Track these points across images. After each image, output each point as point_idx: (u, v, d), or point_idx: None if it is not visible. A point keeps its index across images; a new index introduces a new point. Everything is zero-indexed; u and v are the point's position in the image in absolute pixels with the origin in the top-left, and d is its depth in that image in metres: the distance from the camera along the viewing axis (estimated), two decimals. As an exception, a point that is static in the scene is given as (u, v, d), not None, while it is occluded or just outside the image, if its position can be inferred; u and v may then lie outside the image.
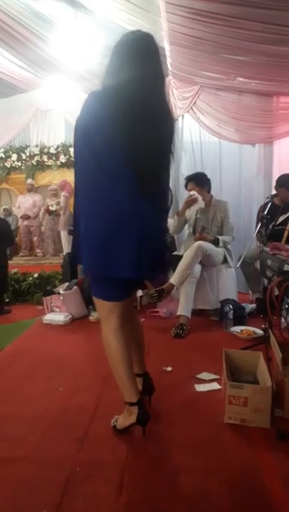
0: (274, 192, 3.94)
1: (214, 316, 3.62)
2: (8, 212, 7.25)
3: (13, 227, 7.25)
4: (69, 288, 3.93)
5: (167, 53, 4.01)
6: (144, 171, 1.58)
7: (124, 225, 1.58)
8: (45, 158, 7.43)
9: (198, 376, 2.40)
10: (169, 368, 2.48)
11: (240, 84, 4.48)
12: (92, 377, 2.41)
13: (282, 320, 3.16)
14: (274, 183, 4.00)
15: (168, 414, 1.96)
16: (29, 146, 7.54)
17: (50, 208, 6.96)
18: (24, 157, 7.51)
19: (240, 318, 3.36)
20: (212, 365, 2.47)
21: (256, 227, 3.35)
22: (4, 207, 7.30)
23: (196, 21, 3.16)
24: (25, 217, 7.13)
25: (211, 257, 3.53)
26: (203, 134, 5.08)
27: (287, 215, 3.69)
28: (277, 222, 3.69)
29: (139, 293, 3.83)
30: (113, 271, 1.61)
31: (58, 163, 7.39)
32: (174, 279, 3.35)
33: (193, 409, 2.03)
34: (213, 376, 2.38)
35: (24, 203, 7.23)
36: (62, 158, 7.31)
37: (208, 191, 3.83)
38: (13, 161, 7.56)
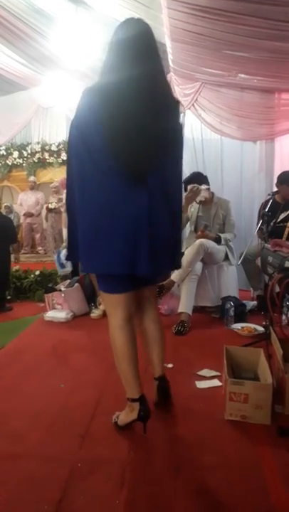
0: (275, 189, 3.93)
1: (215, 313, 3.62)
2: (10, 209, 7.25)
3: (14, 224, 7.26)
4: (70, 285, 3.93)
5: (169, 50, 3.99)
6: (128, 163, 1.56)
7: (110, 220, 1.57)
8: (46, 155, 7.42)
9: (199, 373, 2.40)
10: (170, 365, 2.48)
11: (242, 80, 4.46)
12: (94, 374, 2.42)
13: (283, 317, 3.17)
14: (275, 181, 3.99)
15: (169, 410, 1.96)
16: (30, 143, 7.53)
17: (50, 205, 6.96)
18: (25, 154, 7.50)
19: (241, 315, 3.36)
20: (213, 362, 2.47)
21: (257, 224, 3.35)
22: (5, 204, 7.30)
23: (198, 17, 3.14)
24: (29, 214, 7.14)
25: (212, 255, 3.52)
26: (204, 131, 5.06)
27: (288, 212, 3.68)
28: (279, 220, 3.68)
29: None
30: (100, 267, 1.65)
31: (60, 160, 7.38)
32: (174, 276, 3.35)
33: (194, 406, 2.03)
34: (213, 373, 2.38)
35: (27, 201, 7.24)
36: (64, 156, 7.30)
37: (208, 189, 3.82)
38: (15, 159, 7.55)
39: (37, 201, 7.20)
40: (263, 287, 3.60)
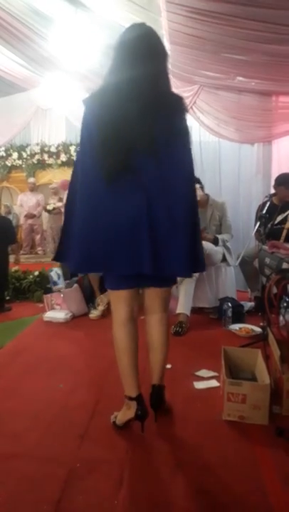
0: (273, 191, 3.94)
1: (213, 314, 3.62)
2: (9, 209, 7.24)
3: (14, 225, 7.25)
4: (69, 286, 3.93)
5: (167, 52, 3.99)
6: (108, 166, 1.57)
7: (107, 221, 1.60)
8: (45, 156, 7.42)
9: (197, 373, 2.40)
10: (168, 366, 2.47)
11: (240, 83, 4.47)
12: (93, 375, 2.42)
13: (281, 318, 3.17)
14: (273, 182, 4.00)
15: (167, 411, 1.96)
16: (30, 144, 7.52)
17: (48, 207, 6.96)
18: (25, 156, 7.50)
19: (238, 316, 3.37)
20: (211, 362, 2.47)
21: (255, 226, 3.36)
22: (5, 204, 7.29)
23: (197, 21, 3.15)
24: (30, 216, 7.15)
25: (210, 256, 3.52)
26: (202, 133, 5.08)
27: (285, 214, 3.68)
28: (276, 221, 3.69)
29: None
30: (96, 267, 1.71)
31: (59, 161, 7.37)
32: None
33: (192, 407, 2.04)
34: (211, 373, 2.39)
35: (27, 202, 7.24)
36: (63, 157, 7.29)
37: (202, 189, 3.82)
38: (14, 160, 7.55)
39: (38, 203, 7.20)
40: (260, 288, 3.61)
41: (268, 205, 3.39)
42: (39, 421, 1.90)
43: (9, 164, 7.61)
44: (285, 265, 2.26)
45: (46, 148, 7.40)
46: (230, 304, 3.34)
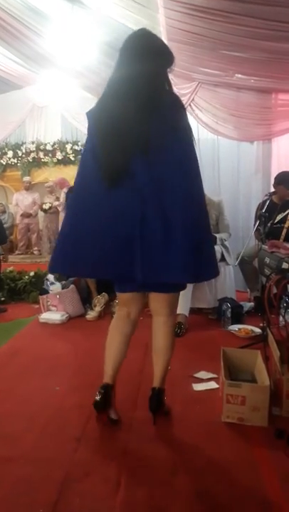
0: (272, 190, 3.95)
1: (212, 315, 3.63)
2: (4, 208, 7.24)
3: (8, 225, 7.24)
4: (66, 287, 3.93)
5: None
6: (103, 164, 1.62)
7: (97, 224, 1.64)
8: (41, 154, 7.41)
9: (196, 375, 2.41)
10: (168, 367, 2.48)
11: (239, 80, 4.48)
12: (89, 376, 2.42)
13: (281, 318, 3.18)
14: (272, 181, 4.01)
15: (166, 413, 1.96)
16: (25, 142, 7.52)
17: (44, 206, 6.95)
18: (20, 154, 7.49)
19: (238, 317, 3.38)
20: (210, 363, 2.48)
21: (254, 225, 3.37)
22: (0, 202, 7.30)
23: (195, 17, 3.16)
24: (27, 215, 7.15)
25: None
26: (201, 131, 5.08)
27: (285, 213, 3.70)
28: (276, 220, 3.70)
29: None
30: (87, 273, 1.95)
31: (55, 160, 7.38)
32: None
33: (191, 408, 2.04)
34: (211, 375, 2.40)
35: (23, 201, 7.23)
36: (59, 155, 7.30)
37: None
38: (9, 158, 7.54)
39: (34, 201, 7.20)
40: (260, 288, 3.62)
41: (267, 203, 3.41)
42: (35, 423, 1.90)
43: (4, 163, 7.60)
44: (285, 265, 2.27)
45: (42, 146, 7.40)
46: (229, 305, 3.35)
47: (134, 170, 1.59)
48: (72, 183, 6.69)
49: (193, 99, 4.89)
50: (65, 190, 6.55)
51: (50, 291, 3.94)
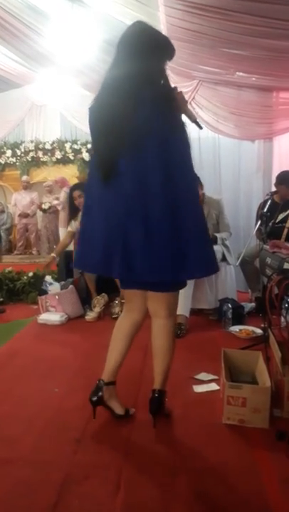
0: (274, 189, 3.95)
1: (213, 316, 3.63)
2: (2, 208, 7.25)
3: (8, 225, 7.25)
4: (65, 287, 3.93)
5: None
6: (100, 160, 1.69)
7: (91, 221, 1.75)
8: (40, 154, 7.41)
9: (197, 377, 2.41)
10: (167, 368, 2.49)
11: (240, 78, 4.49)
12: (88, 378, 2.40)
13: (282, 319, 3.18)
14: (274, 180, 4.02)
15: (167, 415, 1.97)
16: (24, 141, 7.52)
17: (43, 206, 6.95)
18: (19, 153, 7.49)
19: (239, 318, 3.38)
20: (211, 365, 2.48)
21: (255, 224, 3.37)
22: None
23: (195, 15, 3.17)
24: (24, 215, 7.14)
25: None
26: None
27: (287, 213, 3.71)
28: (277, 220, 3.71)
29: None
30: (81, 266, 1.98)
31: (54, 159, 7.37)
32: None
33: (192, 410, 2.05)
34: (211, 376, 2.40)
35: (21, 201, 7.23)
36: (58, 154, 7.29)
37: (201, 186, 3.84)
38: (8, 157, 7.54)
39: (32, 201, 7.19)
40: (261, 289, 3.63)
41: (269, 203, 3.41)
42: (34, 425, 1.91)
43: (3, 162, 7.60)
44: (286, 265, 2.27)
45: (41, 146, 7.39)
46: (230, 305, 3.36)
47: (122, 169, 1.63)
48: (71, 182, 6.72)
49: (194, 98, 4.90)
50: (65, 189, 6.56)
51: (49, 292, 3.95)
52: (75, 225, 3.91)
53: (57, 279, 4.28)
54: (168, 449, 1.73)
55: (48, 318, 3.62)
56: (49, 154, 7.38)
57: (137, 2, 3.55)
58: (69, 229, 4.06)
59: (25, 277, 4.63)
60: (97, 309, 3.72)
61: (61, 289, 3.93)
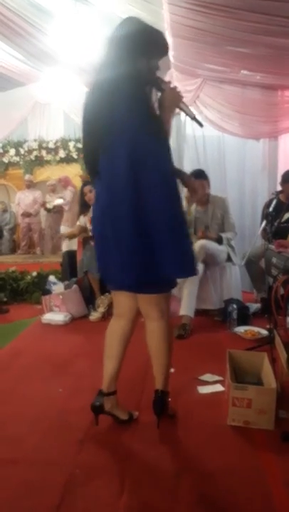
0: (279, 188, 3.94)
1: (218, 316, 3.63)
2: (5, 207, 7.26)
3: (11, 225, 7.26)
4: (68, 287, 3.94)
5: (169, 45, 4.01)
6: (84, 160, 1.77)
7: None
8: (43, 153, 7.43)
9: (201, 378, 2.41)
10: (171, 370, 2.48)
11: (244, 77, 4.48)
12: (92, 378, 2.42)
13: (288, 320, 3.18)
14: (279, 179, 4.01)
15: (172, 416, 1.97)
16: (27, 140, 7.53)
17: (48, 205, 6.95)
18: (22, 152, 7.51)
19: (244, 318, 3.38)
20: (215, 366, 2.48)
21: (261, 224, 3.36)
22: (1, 201, 7.31)
23: (199, 13, 3.17)
24: (26, 214, 7.15)
25: (214, 256, 3.54)
26: (206, 127, 5.08)
27: (292, 212, 3.70)
28: (283, 220, 3.70)
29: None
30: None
31: (57, 158, 7.38)
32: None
33: (196, 412, 2.05)
34: (216, 377, 2.40)
35: (24, 200, 7.24)
36: (62, 153, 7.30)
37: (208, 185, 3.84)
38: (12, 156, 7.56)
39: (35, 200, 7.20)
40: (267, 289, 3.62)
41: (274, 202, 3.40)
42: (38, 425, 1.91)
43: (6, 161, 7.62)
44: (292, 265, 2.27)
45: (44, 144, 7.41)
46: (235, 306, 3.35)
47: (100, 169, 1.68)
48: (75, 181, 6.72)
49: (198, 96, 4.89)
50: (70, 188, 6.56)
51: (53, 292, 3.96)
52: (84, 220, 3.97)
53: (61, 279, 4.29)
54: (172, 451, 1.73)
55: (51, 318, 3.64)
56: (52, 153, 7.39)
57: (141, 0, 3.55)
58: (78, 223, 4.13)
59: (28, 277, 4.65)
60: (101, 309, 3.73)
61: (65, 288, 3.94)
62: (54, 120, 7.45)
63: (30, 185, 7.32)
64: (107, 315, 3.75)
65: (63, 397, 2.21)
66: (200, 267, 3.44)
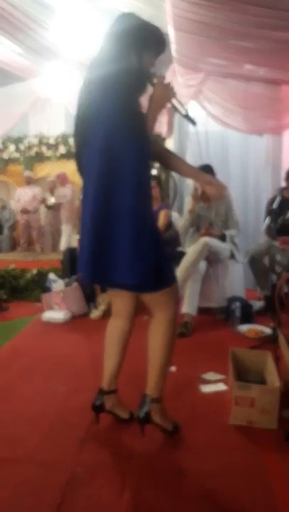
0: (283, 184, 3.94)
1: (220, 315, 3.62)
2: (4, 204, 7.26)
3: (11, 222, 7.26)
4: (69, 284, 3.94)
5: (172, 39, 4.00)
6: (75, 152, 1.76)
7: None
8: (44, 149, 7.42)
9: (204, 376, 2.41)
10: (173, 368, 2.49)
11: (248, 72, 4.47)
12: (93, 377, 2.42)
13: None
14: (283, 175, 4.00)
15: (172, 415, 1.97)
16: (28, 136, 7.52)
17: (48, 202, 6.95)
18: (22, 148, 7.50)
19: (247, 317, 3.37)
20: (218, 365, 2.48)
21: (265, 220, 3.36)
22: (0, 198, 7.31)
23: (202, 6, 3.15)
24: (25, 211, 7.14)
25: (217, 254, 3.53)
26: (209, 122, 5.07)
27: (296, 209, 3.69)
28: (287, 216, 3.69)
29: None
30: None
31: (58, 154, 7.37)
32: (177, 275, 3.35)
33: (198, 411, 2.05)
34: (219, 376, 2.40)
35: (24, 196, 7.23)
36: (62, 149, 7.29)
37: None
38: (12, 152, 7.55)
39: (34, 197, 7.19)
40: (270, 287, 3.62)
41: (278, 199, 3.40)
42: (38, 424, 1.92)
43: (6, 157, 7.61)
44: (296, 262, 2.27)
45: (45, 140, 7.40)
46: (238, 304, 3.35)
47: (82, 164, 1.70)
48: (74, 178, 6.72)
49: (201, 91, 4.88)
50: (69, 186, 6.56)
51: (53, 289, 3.96)
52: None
53: (61, 276, 4.29)
54: (174, 450, 1.73)
55: (52, 316, 3.64)
56: (53, 149, 7.38)
57: (143, -7, 3.54)
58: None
59: (28, 275, 4.65)
60: (102, 307, 3.73)
61: (65, 286, 3.94)
62: (55, 116, 7.44)
63: (30, 182, 7.31)
64: (108, 313, 3.74)
65: (64, 396, 2.21)
66: (202, 263, 3.44)
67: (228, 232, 3.67)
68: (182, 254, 3.53)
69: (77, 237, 4.21)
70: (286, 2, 2.86)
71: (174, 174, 5.27)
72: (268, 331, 3.07)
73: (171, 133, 5.36)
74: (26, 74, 6.72)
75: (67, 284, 3.97)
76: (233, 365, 2.14)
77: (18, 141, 7.51)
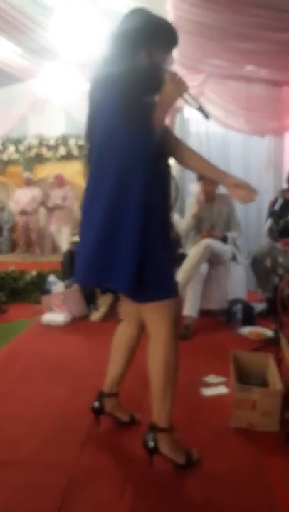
0: (284, 185, 3.95)
1: (222, 317, 3.62)
2: (3, 206, 7.26)
3: (10, 224, 7.27)
4: (69, 286, 3.95)
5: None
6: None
7: None
8: (44, 150, 7.43)
9: (205, 379, 2.42)
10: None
11: (250, 73, 4.48)
12: (93, 380, 2.42)
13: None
14: (285, 176, 4.01)
15: (173, 418, 1.98)
16: (27, 137, 7.54)
17: (49, 204, 6.96)
18: (22, 149, 7.52)
19: (249, 319, 3.37)
20: (219, 367, 2.48)
21: (267, 222, 3.36)
22: None
23: (203, 8, 3.17)
24: (24, 212, 7.14)
25: (219, 256, 3.53)
26: (210, 124, 5.08)
27: (298, 211, 3.69)
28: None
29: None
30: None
31: (58, 155, 7.39)
32: (178, 277, 3.35)
33: (200, 413, 2.05)
34: (220, 379, 2.40)
35: (23, 198, 7.23)
36: (62, 151, 7.31)
37: None
38: (11, 154, 7.56)
39: (33, 198, 7.19)
40: (272, 289, 3.62)
41: (280, 201, 3.41)
42: (38, 427, 1.92)
43: (6, 158, 7.63)
44: (298, 264, 2.27)
45: (45, 142, 7.42)
46: (240, 306, 3.35)
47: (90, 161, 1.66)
48: (75, 179, 6.72)
49: (202, 92, 4.89)
50: (67, 187, 6.57)
51: (53, 291, 3.97)
52: None
53: (61, 278, 4.30)
54: (175, 453, 1.73)
55: (52, 319, 3.64)
56: (53, 150, 7.40)
57: (144, -6, 3.55)
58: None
59: (28, 276, 4.66)
60: (102, 309, 3.73)
61: (66, 288, 3.94)
62: (55, 117, 7.46)
63: (29, 183, 7.32)
64: (109, 315, 3.75)
65: (64, 399, 2.21)
66: (204, 265, 3.45)
67: (229, 234, 3.68)
68: (183, 256, 3.53)
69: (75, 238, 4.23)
70: (287, 4, 2.88)
71: (174, 175, 5.27)
72: (269, 333, 3.07)
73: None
74: (26, 75, 6.73)
75: (67, 286, 3.97)
76: (234, 367, 2.15)
77: (17, 142, 7.53)
